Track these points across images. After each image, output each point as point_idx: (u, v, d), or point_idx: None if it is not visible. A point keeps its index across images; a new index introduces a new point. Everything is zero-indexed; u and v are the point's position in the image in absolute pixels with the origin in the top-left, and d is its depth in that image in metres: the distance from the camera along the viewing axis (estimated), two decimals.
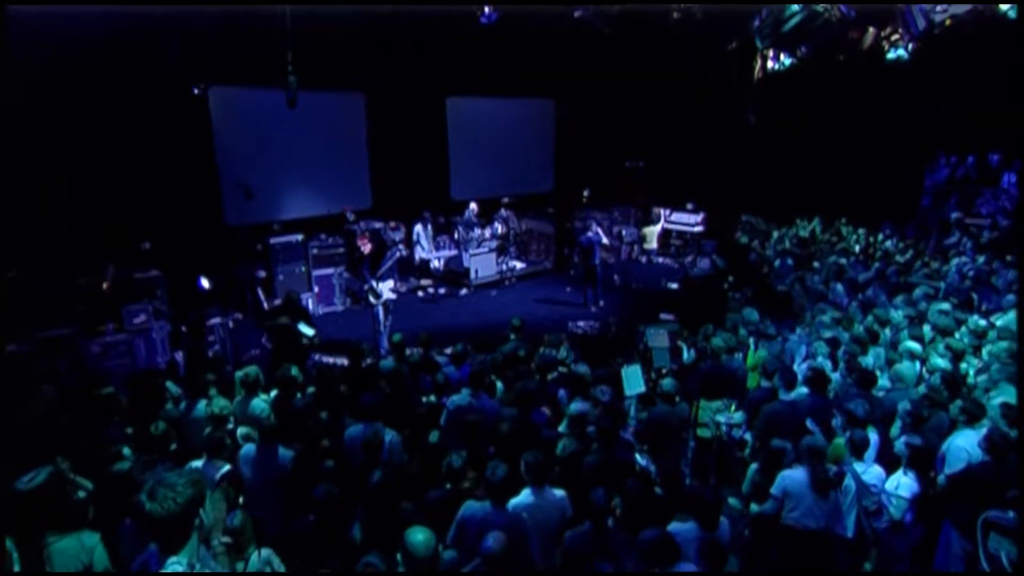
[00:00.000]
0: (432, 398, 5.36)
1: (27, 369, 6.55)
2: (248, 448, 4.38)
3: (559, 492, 4.01)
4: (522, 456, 3.90)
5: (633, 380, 5.82)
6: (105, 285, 8.97)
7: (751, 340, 6.89)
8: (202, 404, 5.02)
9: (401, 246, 10.59)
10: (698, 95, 14.42)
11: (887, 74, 12.34)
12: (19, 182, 7.64)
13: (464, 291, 11.57)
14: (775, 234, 13.58)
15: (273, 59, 8.40)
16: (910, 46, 10.62)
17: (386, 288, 8.50)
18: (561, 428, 4.90)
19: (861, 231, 12.87)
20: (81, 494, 3.07)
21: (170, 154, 9.63)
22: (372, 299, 8.43)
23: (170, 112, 9.65)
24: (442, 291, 11.56)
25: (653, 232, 14.29)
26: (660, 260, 14.15)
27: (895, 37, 10.72)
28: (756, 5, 9.90)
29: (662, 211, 14.58)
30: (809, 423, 4.72)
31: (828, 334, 6.68)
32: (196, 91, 10.25)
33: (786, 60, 11.54)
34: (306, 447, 4.55)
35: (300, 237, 9.97)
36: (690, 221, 14.17)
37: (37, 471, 2.71)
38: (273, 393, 5.68)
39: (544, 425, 5.05)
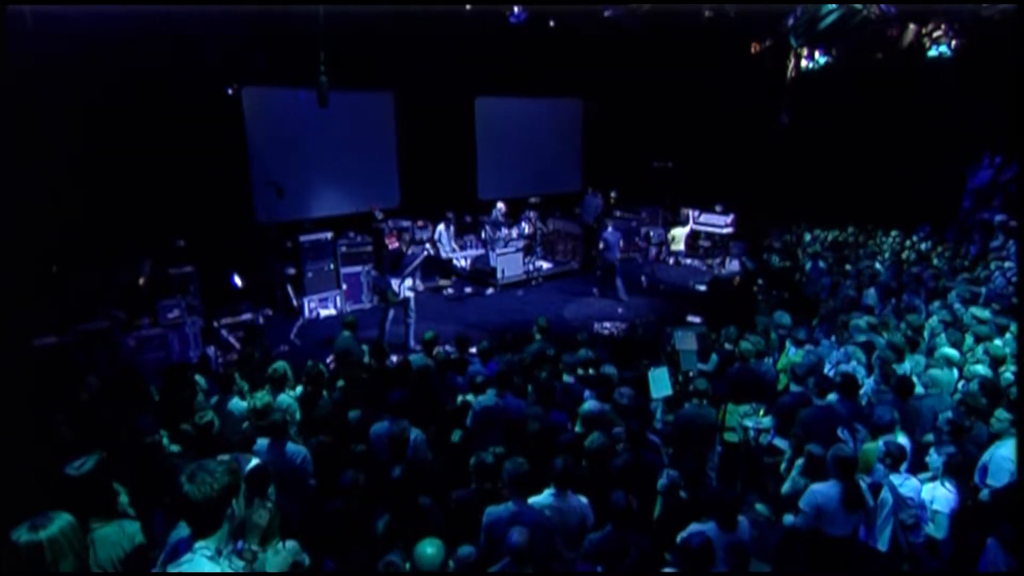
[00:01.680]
0: (469, 397, 5.37)
1: (69, 361, 6.76)
2: (261, 443, 4.45)
3: (582, 499, 3.99)
4: (554, 459, 3.88)
5: (660, 382, 5.75)
6: (141, 281, 9.24)
7: (786, 343, 6.74)
8: (235, 399, 5.12)
9: (427, 245, 10.64)
10: (729, 95, 14.23)
11: (927, 72, 11.99)
12: (57, 180, 7.93)
13: (490, 290, 11.59)
14: (807, 236, 13.30)
15: (304, 59, 8.55)
16: (953, 43, 10.27)
17: (404, 287, 8.50)
18: (577, 428, 4.87)
19: (894, 233, 12.52)
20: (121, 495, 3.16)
21: (204, 153, 9.83)
22: (391, 297, 8.47)
23: (205, 112, 9.88)
24: (468, 290, 11.60)
25: (681, 233, 14.10)
26: (688, 262, 13.97)
27: (937, 34, 10.38)
28: (790, 4, 9.69)
29: (690, 212, 14.38)
30: (841, 432, 4.59)
31: (862, 339, 6.51)
32: (230, 91, 10.48)
33: (821, 59, 11.26)
34: (331, 442, 4.60)
35: (329, 235, 10.10)
36: (719, 223, 13.95)
37: (86, 458, 2.80)
38: (299, 389, 5.78)
39: (563, 426, 5.02)
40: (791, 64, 11.82)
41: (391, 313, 8.59)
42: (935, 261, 10.31)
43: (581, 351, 6.06)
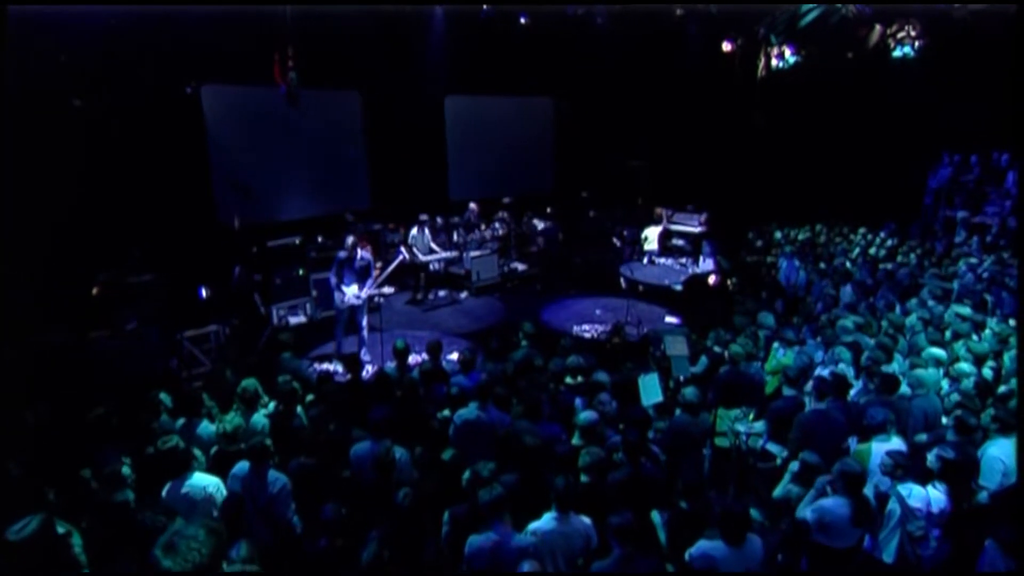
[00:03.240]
0: (447, 412, 5.11)
1: (18, 380, 6.24)
2: (241, 467, 4.12)
3: (585, 519, 3.79)
4: (554, 478, 3.67)
5: (651, 389, 5.60)
6: (95, 290, 8.69)
7: (773, 345, 6.68)
8: (204, 422, 4.75)
9: (402, 249, 10.31)
10: (701, 93, 14.26)
11: (892, 73, 12.21)
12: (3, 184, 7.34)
13: (464, 294, 11.31)
14: (778, 235, 13.42)
15: (266, 56, 8.13)
16: (917, 43, 10.46)
17: (351, 293, 8.08)
18: (575, 440, 4.66)
19: (862, 230, 12.72)
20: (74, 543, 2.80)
21: (162, 155, 9.36)
22: (338, 303, 8.11)
23: (162, 111, 9.37)
24: (441, 294, 11.30)
25: (654, 233, 14.06)
26: (661, 261, 13.93)
27: (901, 35, 10.56)
28: (770, 4, 9.70)
29: (663, 211, 14.37)
30: (852, 444, 4.47)
31: (849, 339, 6.49)
32: (188, 90, 9.98)
33: (791, 58, 11.34)
34: (311, 465, 4.29)
35: (298, 239, 9.69)
36: (692, 222, 13.97)
37: (28, 519, 2.45)
38: (272, 405, 5.43)
39: (558, 439, 4.82)
40: (761, 63, 11.87)
41: (342, 319, 8.23)
42: (903, 258, 10.46)
43: (570, 358, 5.86)
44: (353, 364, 5.56)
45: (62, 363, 7.11)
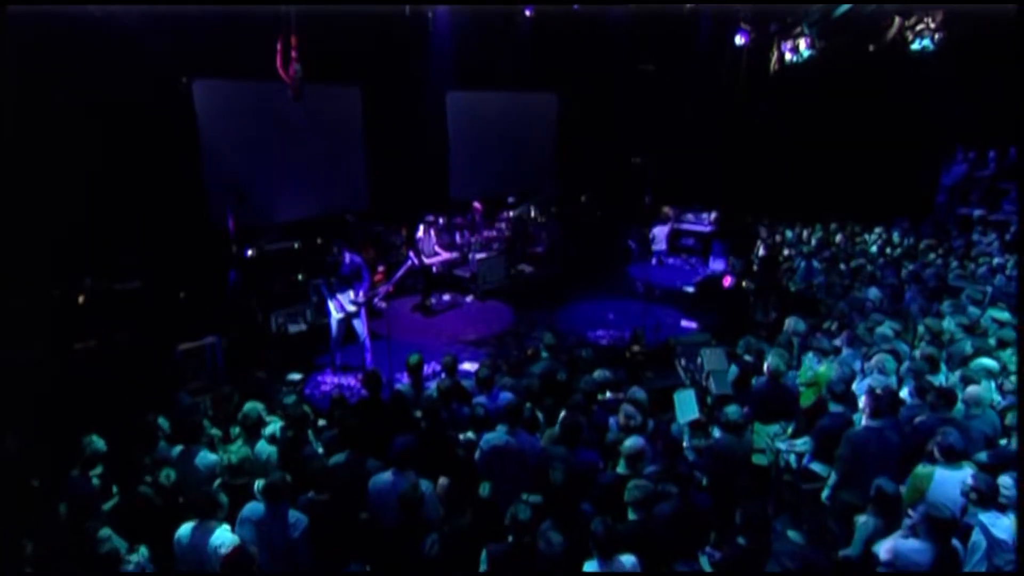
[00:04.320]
0: (471, 435, 4.68)
1: None
2: (254, 508, 3.67)
3: (628, 560, 3.39)
4: (591, 524, 3.27)
5: (687, 406, 5.21)
6: (81, 299, 8.19)
7: (808, 355, 6.30)
8: (203, 451, 4.29)
9: (412, 254, 9.84)
10: (708, 88, 13.89)
11: (905, 66, 11.88)
12: None
13: (470, 298, 10.87)
14: (789, 234, 13.07)
15: (263, 48, 7.63)
16: (936, 36, 10.11)
17: (346, 300, 7.60)
18: (620, 469, 4.24)
19: (877, 230, 12.39)
20: None
21: (152, 154, 8.85)
22: (336, 312, 7.61)
23: (150, 106, 8.85)
24: (446, 298, 10.85)
25: (662, 233, 13.69)
26: (670, 261, 13.57)
27: (920, 27, 10.21)
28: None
29: (671, 210, 14.00)
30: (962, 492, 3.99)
31: (887, 347, 6.11)
32: (180, 87, 9.46)
33: (805, 52, 10.97)
34: (325, 503, 3.85)
35: (296, 243, 9.20)
36: (701, 221, 13.61)
37: None
38: (277, 424, 4.98)
39: (597, 466, 4.41)
40: (773, 58, 11.49)
41: (335, 329, 7.75)
42: (923, 258, 10.13)
43: (596, 372, 5.44)
44: (373, 382, 5.08)
45: (43, 380, 6.61)
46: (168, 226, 9.12)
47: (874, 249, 11.15)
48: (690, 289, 11.57)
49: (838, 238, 11.91)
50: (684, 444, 5.30)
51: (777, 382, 5.59)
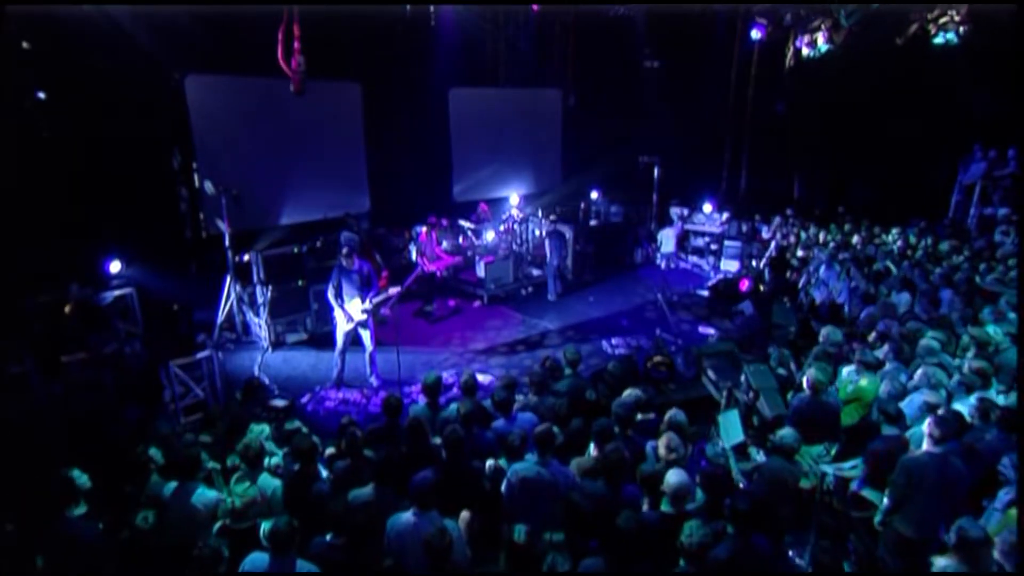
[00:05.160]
0: (490, 462, 4.24)
1: None
2: (257, 560, 3.22)
3: None
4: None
5: (731, 428, 4.80)
6: (68, 308, 7.71)
7: (849, 368, 5.89)
8: (201, 488, 3.84)
9: (422, 260, 9.39)
10: (720, 86, 13.49)
11: (927, 61, 11.52)
12: None
13: (477, 303, 10.43)
14: (803, 235, 12.68)
15: (259, 40, 7.17)
16: (961, 29, 9.72)
17: (355, 309, 7.09)
18: (664, 507, 3.82)
19: (895, 231, 12.02)
20: None
21: (141, 154, 8.39)
22: (344, 323, 7.11)
23: (140, 105, 8.39)
24: (451, 304, 10.39)
25: (670, 234, 13.28)
26: (680, 264, 13.16)
27: (944, 20, 9.82)
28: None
29: (679, 211, 13.58)
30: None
31: (934, 361, 5.72)
32: (172, 83, 8.99)
33: (823, 46, 10.56)
34: (340, 548, 3.41)
35: (295, 248, 8.73)
36: (711, 222, 13.20)
37: None
38: (280, 455, 4.54)
39: (639, 502, 3.98)
40: (790, 53, 11.09)
41: (341, 341, 7.25)
42: (947, 261, 9.75)
43: (627, 392, 5.01)
44: (391, 409, 4.62)
45: (26, 399, 6.15)
46: (160, 230, 8.68)
47: (894, 250, 10.77)
48: (704, 293, 11.15)
49: (855, 239, 11.52)
50: (732, 470, 4.91)
51: (819, 398, 5.19)
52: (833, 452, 5.30)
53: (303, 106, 10.02)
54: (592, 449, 4.48)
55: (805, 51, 10.76)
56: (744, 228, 13.23)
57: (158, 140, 8.74)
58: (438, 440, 4.43)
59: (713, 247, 13.06)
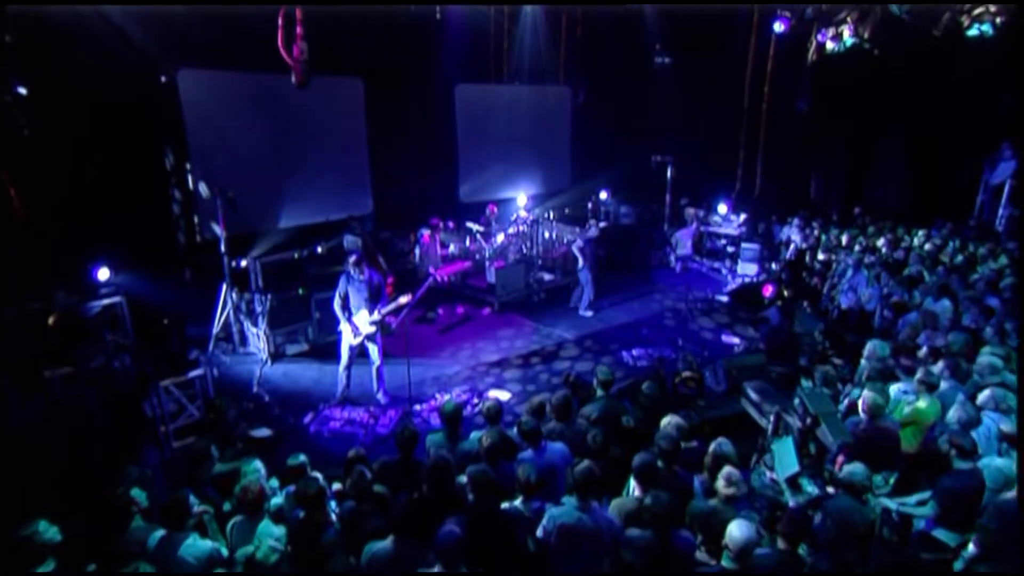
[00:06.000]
0: (518, 505, 3.73)
1: None
2: None
3: None
4: None
5: (786, 458, 4.29)
6: (52, 319, 7.19)
7: (898, 387, 5.39)
8: (192, 538, 3.32)
9: (434, 270, 8.87)
10: (736, 81, 12.98)
11: (954, 57, 11.02)
12: None
13: (487, 311, 9.91)
14: (823, 238, 12.18)
15: (257, 31, 6.66)
16: (999, 20, 9.22)
17: (363, 322, 6.55)
18: (725, 561, 3.30)
19: (920, 233, 11.52)
20: None
21: (131, 153, 7.88)
22: (351, 337, 6.59)
23: (131, 101, 7.87)
24: (459, 311, 9.88)
25: (686, 236, 12.77)
26: (695, 266, 12.65)
27: (979, 11, 9.32)
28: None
29: (695, 212, 13.08)
30: None
31: (995, 379, 5.21)
32: (164, 78, 8.46)
33: (848, 40, 10.06)
34: None
35: (296, 254, 8.22)
36: (729, 222, 12.70)
37: None
38: (282, 496, 4.02)
39: (693, 550, 3.48)
40: (812, 47, 10.58)
41: (347, 355, 6.73)
42: (983, 267, 9.24)
43: (667, 419, 4.48)
44: (407, 442, 4.11)
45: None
46: (151, 235, 8.16)
47: (918, 251, 10.26)
48: (724, 299, 10.64)
49: (881, 242, 11.02)
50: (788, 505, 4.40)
51: (877, 423, 4.69)
52: (891, 482, 4.82)
53: (303, 103, 9.57)
54: (634, 487, 3.98)
55: (830, 45, 10.25)
56: (760, 229, 12.78)
57: (149, 139, 8.21)
58: (462, 478, 3.93)
59: (730, 249, 12.58)
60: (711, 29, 12.69)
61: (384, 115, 10.94)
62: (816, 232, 12.11)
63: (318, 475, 3.74)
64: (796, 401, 4.71)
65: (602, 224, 13.91)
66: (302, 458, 4.00)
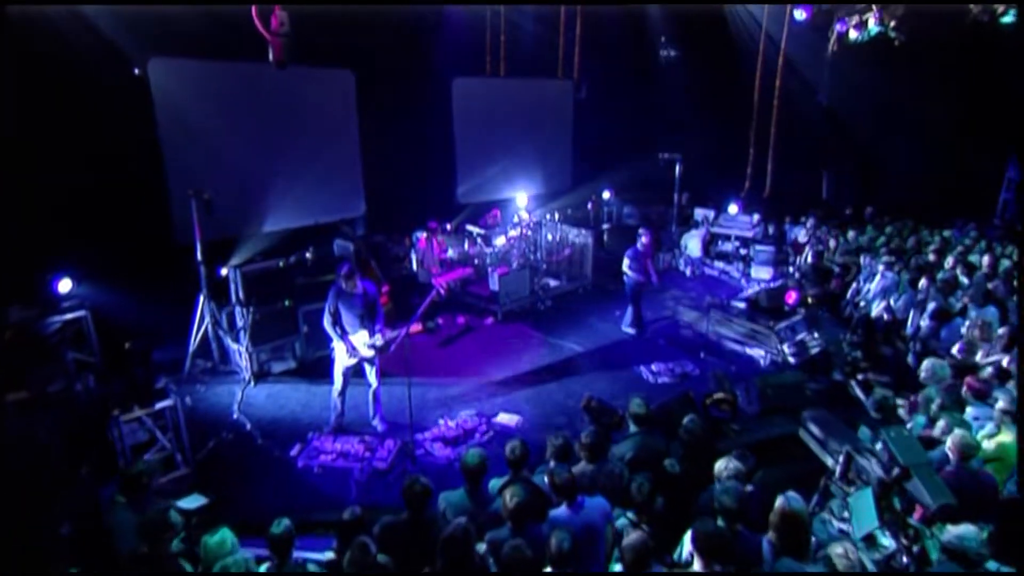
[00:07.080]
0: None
1: None
2: None
3: None
4: None
5: (865, 513, 3.62)
6: (7, 335, 6.44)
7: (968, 416, 4.73)
8: None
9: (435, 280, 8.13)
10: (747, 74, 12.35)
11: (974, 46, 10.46)
12: None
13: (490, 320, 9.18)
14: (841, 239, 11.56)
15: (237, 19, 5.92)
16: None
17: (361, 343, 5.84)
18: None
19: (945, 233, 10.93)
20: None
21: (97, 151, 7.11)
22: (347, 358, 5.86)
23: (97, 95, 7.11)
24: (460, 321, 9.14)
25: (695, 238, 12.12)
26: (706, 270, 11.99)
27: None
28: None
29: (705, 213, 12.43)
30: None
31: None
32: (136, 71, 7.68)
33: (873, 28, 9.43)
34: None
35: (281, 262, 7.46)
36: (741, 223, 12.06)
37: None
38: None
39: None
40: (833, 37, 9.94)
41: (341, 379, 5.99)
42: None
43: (722, 463, 3.77)
44: (416, 498, 3.37)
45: None
46: (120, 242, 7.37)
47: (950, 256, 9.66)
48: (741, 305, 9.98)
49: (909, 243, 10.41)
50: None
51: (968, 467, 4.02)
52: (985, 535, 4.14)
53: (290, 97, 8.86)
54: (689, 553, 3.28)
55: (852, 34, 9.60)
56: (772, 230, 12.17)
57: (116, 135, 7.40)
58: (481, 546, 3.21)
59: (742, 252, 11.94)
60: (718, 21, 12.10)
61: (377, 110, 10.18)
62: (834, 233, 11.50)
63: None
64: (878, 445, 4.00)
65: (605, 226, 13.36)
66: (286, 523, 3.24)
